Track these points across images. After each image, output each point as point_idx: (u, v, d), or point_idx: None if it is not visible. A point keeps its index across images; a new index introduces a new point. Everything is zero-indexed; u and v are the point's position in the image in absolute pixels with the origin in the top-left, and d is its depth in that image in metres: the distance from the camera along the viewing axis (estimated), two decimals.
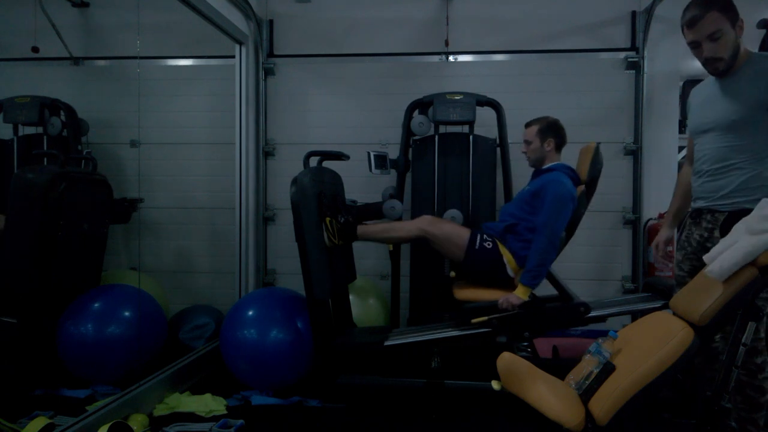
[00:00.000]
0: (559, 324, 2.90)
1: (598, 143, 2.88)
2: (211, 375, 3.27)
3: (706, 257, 1.73)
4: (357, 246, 3.21)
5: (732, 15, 2.04)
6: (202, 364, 3.29)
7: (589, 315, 2.72)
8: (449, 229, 2.88)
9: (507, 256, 2.79)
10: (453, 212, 3.47)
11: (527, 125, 2.99)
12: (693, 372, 2.27)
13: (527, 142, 2.96)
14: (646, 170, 3.84)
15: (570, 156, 3.76)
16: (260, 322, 2.99)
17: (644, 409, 1.74)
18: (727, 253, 1.61)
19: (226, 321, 3.10)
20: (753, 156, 2.01)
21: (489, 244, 2.81)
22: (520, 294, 2.66)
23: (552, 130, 2.91)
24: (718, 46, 2.04)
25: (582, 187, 2.85)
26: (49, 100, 3.50)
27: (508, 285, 2.79)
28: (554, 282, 2.78)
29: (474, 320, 2.69)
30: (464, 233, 2.86)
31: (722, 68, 2.07)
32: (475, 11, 3.95)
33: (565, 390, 1.76)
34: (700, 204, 2.19)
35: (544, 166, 2.92)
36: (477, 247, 2.80)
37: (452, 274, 3.02)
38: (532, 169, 3.03)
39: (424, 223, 2.89)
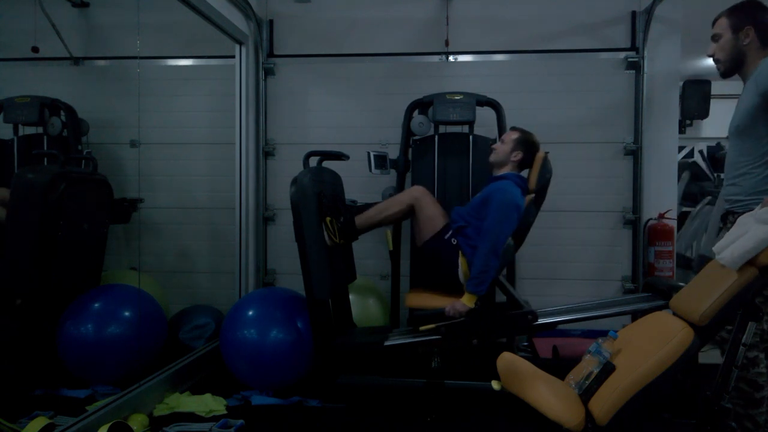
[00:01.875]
0: (507, 331, 2.93)
1: (547, 153, 2.89)
2: (211, 375, 3.27)
3: (715, 248, 1.73)
4: (357, 246, 3.21)
5: (736, 21, 2.13)
6: (202, 364, 3.29)
7: (537, 323, 2.71)
8: (432, 212, 2.88)
9: (462, 259, 2.79)
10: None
11: (511, 128, 3.02)
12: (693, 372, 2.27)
13: (502, 141, 2.98)
14: (646, 170, 3.84)
15: (571, 155, 3.78)
16: (260, 322, 3.00)
17: (644, 409, 1.74)
18: (739, 242, 1.61)
19: (226, 321, 3.10)
20: (757, 160, 2.06)
21: (454, 241, 2.81)
22: (466, 301, 2.65)
23: (526, 147, 2.92)
24: (716, 48, 2.18)
25: (531, 196, 2.86)
26: (49, 100, 3.50)
27: (458, 289, 2.79)
28: (503, 289, 2.79)
29: (422, 327, 2.71)
30: (441, 221, 2.86)
31: (721, 70, 2.20)
32: (475, 11, 3.95)
33: (565, 390, 1.76)
34: (726, 206, 2.25)
35: (498, 173, 2.93)
36: (445, 238, 2.81)
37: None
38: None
39: (418, 192, 2.90)
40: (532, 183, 2.87)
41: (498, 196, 2.73)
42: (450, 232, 2.82)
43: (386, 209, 2.92)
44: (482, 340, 2.73)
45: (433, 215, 2.87)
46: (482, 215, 2.76)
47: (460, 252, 2.79)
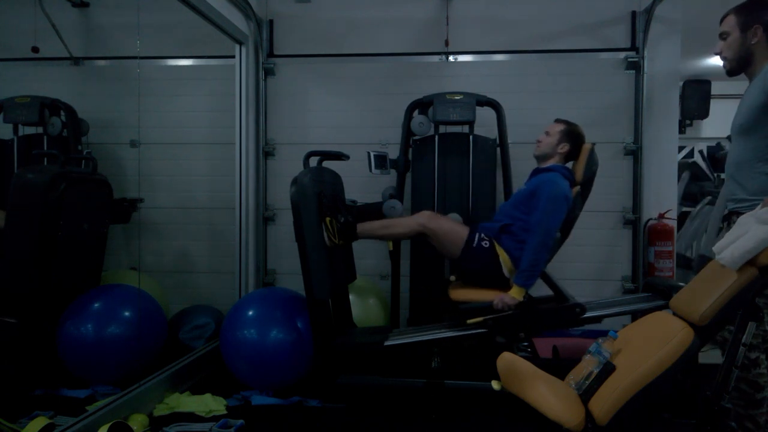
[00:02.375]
0: (554, 325, 2.90)
1: (593, 144, 2.88)
2: (211, 375, 3.27)
3: (715, 248, 1.72)
4: (357, 246, 3.21)
5: (744, 20, 2.10)
6: (202, 364, 3.29)
7: (585, 316, 2.72)
8: (448, 227, 2.88)
9: (503, 256, 2.78)
10: (452, 215, 3.46)
11: (556, 120, 2.98)
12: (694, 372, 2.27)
13: (547, 134, 2.94)
14: (646, 170, 3.84)
15: None
16: (260, 322, 2.99)
17: (644, 409, 1.74)
18: (739, 242, 1.60)
19: (226, 321, 3.10)
20: (761, 159, 2.05)
21: (486, 243, 2.80)
22: (515, 294, 2.65)
23: (572, 138, 2.90)
24: (724, 46, 2.17)
25: (577, 188, 2.85)
26: (49, 100, 3.50)
27: (504, 285, 2.79)
28: (549, 283, 2.79)
29: (469, 321, 2.70)
30: (463, 231, 2.85)
31: (728, 68, 2.20)
32: (475, 11, 3.95)
33: (565, 390, 1.76)
34: (729, 206, 2.22)
35: (544, 165, 2.91)
36: (474, 245, 2.80)
37: (452, 278, 3.02)
38: (530, 169, 3.02)
39: (423, 219, 2.88)
40: (579, 175, 2.85)
41: (547, 188, 2.71)
42: (477, 238, 2.81)
43: (391, 227, 2.94)
44: (529, 333, 2.73)
45: (448, 232, 2.86)
46: (529, 208, 2.75)
47: (496, 247, 2.78)
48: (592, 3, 3.88)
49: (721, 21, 2.21)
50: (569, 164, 2.95)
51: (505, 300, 2.65)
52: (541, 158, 2.94)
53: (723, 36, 2.17)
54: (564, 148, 2.88)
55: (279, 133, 4.09)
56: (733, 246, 1.61)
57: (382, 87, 4.00)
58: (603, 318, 2.81)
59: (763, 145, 2.03)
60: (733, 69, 2.17)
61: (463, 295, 2.85)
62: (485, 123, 3.60)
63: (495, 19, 3.95)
